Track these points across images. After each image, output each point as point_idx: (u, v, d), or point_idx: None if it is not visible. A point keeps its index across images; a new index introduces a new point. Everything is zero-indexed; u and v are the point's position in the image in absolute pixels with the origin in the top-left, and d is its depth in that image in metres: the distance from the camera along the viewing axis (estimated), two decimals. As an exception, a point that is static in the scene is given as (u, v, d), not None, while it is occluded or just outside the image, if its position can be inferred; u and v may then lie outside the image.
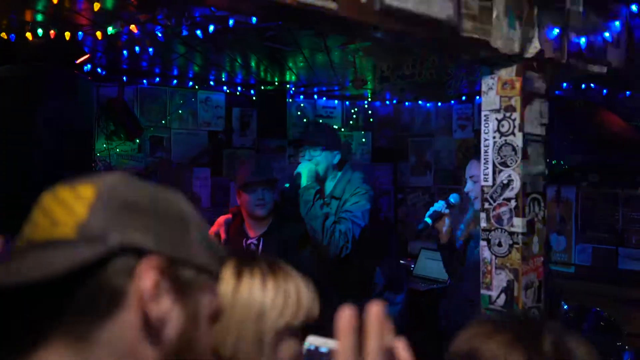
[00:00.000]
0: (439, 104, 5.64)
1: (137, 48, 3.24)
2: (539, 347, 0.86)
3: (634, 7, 2.35)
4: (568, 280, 4.38)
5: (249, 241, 3.01)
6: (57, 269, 0.64)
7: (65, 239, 0.69)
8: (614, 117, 4.46)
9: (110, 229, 0.70)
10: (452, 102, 5.53)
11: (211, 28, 2.80)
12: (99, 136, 4.08)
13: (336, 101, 5.49)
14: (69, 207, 0.72)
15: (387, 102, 5.74)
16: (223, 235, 3.00)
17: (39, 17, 2.80)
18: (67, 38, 2.82)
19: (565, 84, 4.46)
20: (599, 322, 3.19)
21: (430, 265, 4.45)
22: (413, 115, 5.80)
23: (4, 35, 2.93)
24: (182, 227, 0.80)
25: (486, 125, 2.02)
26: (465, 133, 5.48)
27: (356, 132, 5.61)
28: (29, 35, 2.84)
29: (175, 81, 4.42)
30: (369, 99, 5.58)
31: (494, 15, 1.81)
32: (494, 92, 1.99)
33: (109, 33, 2.73)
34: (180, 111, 4.51)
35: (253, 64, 4.18)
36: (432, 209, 2.72)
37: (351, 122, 5.56)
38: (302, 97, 5.23)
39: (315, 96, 5.32)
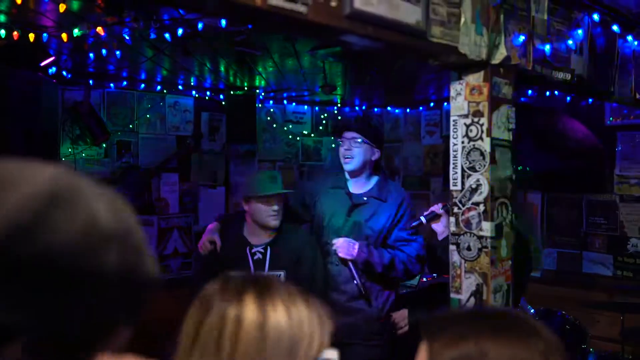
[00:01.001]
0: (408, 110, 5.69)
1: (104, 51, 3.18)
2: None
3: (595, 16, 2.41)
4: (535, 284, 4.46)
5: (253, 250, 2.98)
6: None
7: None
8: (577, 124, 4.56)
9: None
10: (421, 108, 5.59)
11: (180, 31, 2.78)
12: (64, 140, 4.00)
13: (306, 106, 5.50)
14: None
15: (357, 108, 5.77)
16: (218, 243, 2.98)
17: (2, 18, 2.73)
18: (31, 40, 2.76)
19: (530, 91, 4.56)
20: (564, 325, 3.24)
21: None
22: (382, 121, 5.84)
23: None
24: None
25: (455, 130, 2.04)
26: (433, 139, 5.55)
27: (325, 138, 5.62)
28: (-8, 36, 2.77)
29: (143, 85, 4.36)
30: (339, 105, 5.60)
31: (462, 21, 1.83)
32: (462, 97, 2.01)
33: (74, 35, 2.68)
34: (148, 115, 4.45)
35: (222, 68, 4.15)
36: (429, 210, 2.74)
37: (321, 127, 5.57)
38: (271, 102, 5.22)
39: (285, 101, 5.31)
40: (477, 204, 1.97)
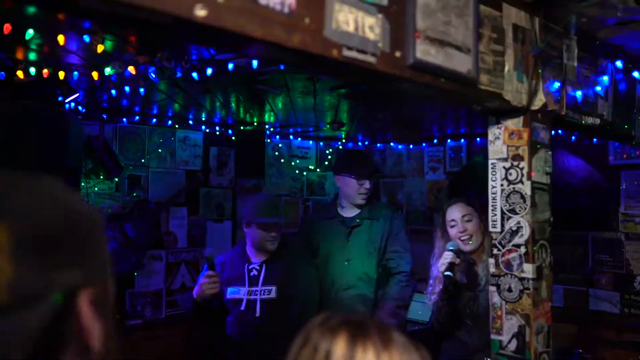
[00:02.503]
0: (411, 146, 5.77)
1: (127, 88, 3.21)
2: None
3: (618, 63, 2.50)
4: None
5: (250, 266, 3.19)
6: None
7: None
8: (580, 162, 4.66)
9: (44, 281, 0.61)
10: (424, 144, 5.67)
11: (209, 71, 2.82)
12: (77, 175, 3.99)
13: (311, 142, 5.55)
14: None
15: (360, 143, 5.84)
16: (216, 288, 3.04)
17: (32, 56, 2.75)
18: (61, 77, 2.78)
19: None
20: (582, 364, 3.26)
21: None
22: (385, 156, 5.91)
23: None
24: (95, 244, 0.73)
25: (493, 173, 2.09)
26: (436, 175, 5.61)
27: (329, 173, 5.66)
28: (20, 73, 2.78)
29: (154, 120, 4.39)
30: (343, 140, 5.67)
31: (506, 69, 1.89)
32: (500, 141, 2.07)
33: (106, 74, 2.71)
34: (160, 150, 4.46)
35: (233, 103, 4.20)
36: (445, 262, 2.72)
37: (325, 162, 5.61)
38: (278, 137, 5.27)
39: (291, 136, 5.36)
40: (517, 245, 2.01)
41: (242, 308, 3.09)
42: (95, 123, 4.00)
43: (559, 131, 4.59)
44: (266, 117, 4.61)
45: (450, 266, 2.66)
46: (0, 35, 2.21)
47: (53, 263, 0.62)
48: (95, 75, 2.74)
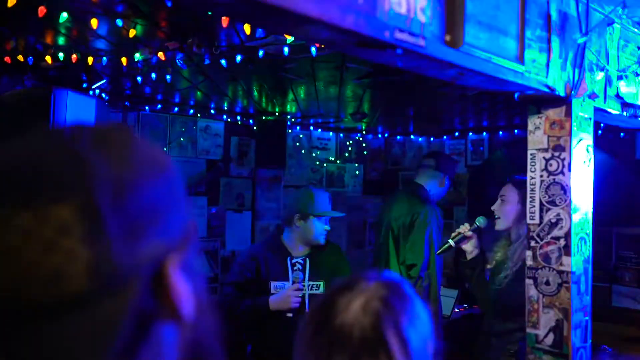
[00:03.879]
0: (432, 138, 5.72)
1: (153, 75, 3.18)
2: None
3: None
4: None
5: (293, 260, 3.17)
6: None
7: (78, 297, 0.51)
8: (606, 157, 4.59)
9: (130, 258, 0.53)
10: (445, 137, 5.61)
11: (238, 58, 2.78)
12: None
13: (331, 133, 5.51)
14: (58, 248, 0.50)
15: (379, 135, 5.79)
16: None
17: (61, 40, 2.73)
18: (90, 63, 2.76)
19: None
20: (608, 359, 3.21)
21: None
22: (404, 149, 5.86)
23: (20, 58, 2.84)
24: (177, 202, 0.64)
25: (532, 163, 2.04)
26: (457, 168, 5.55)
27: (349, 164, 5.63)
28: (48, 59, 2.77)
29: (176, 108, 4.36)
30: (363, 132, 5.62)
31: (551, 57, 1.85)
32: (541, 131, 2.02)
33: (135, 60, 2.68)
34: (182, 139, 4.45)
35: (256, 93, 4.16)
36: (456, 231, 2.77)
37: (346, 154, 5.58)
38: (298, 128, 5.23)
39: (312, 127, 5.33)
40: (557, 238, 1.97)
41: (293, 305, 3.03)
42: (119, 110, 3.99)
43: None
44: (288, 107, 4.58)
45: (458, 235, 2.70)
46: (33, 19, 2.19)
47: (140, 235, 0.55)
48: (124, 61, 2.72)
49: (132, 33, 2.37)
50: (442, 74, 1.54)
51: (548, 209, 1.99)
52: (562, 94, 1.91)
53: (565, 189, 1.96)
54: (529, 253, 2.03)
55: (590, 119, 2.06)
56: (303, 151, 5.23)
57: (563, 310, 1.93)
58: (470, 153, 5.47)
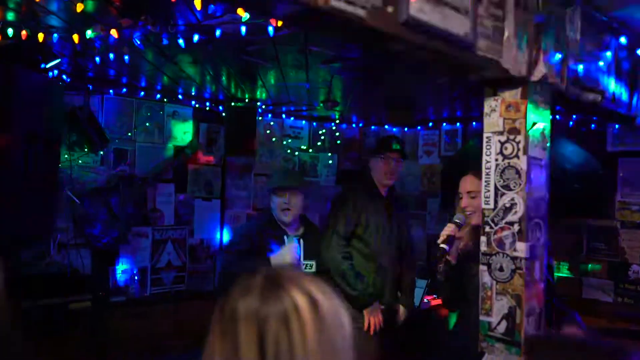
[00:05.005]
0: (405, 129, 5.66)
1: (111, 55, 3.08)
2: None
3: (622, 40, 2.40)
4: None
5: (290, 238, 3.36)
6: None
7: None
8: (577, 148, 4.56)
9: None
10: (419, 127, 5.57)
11: (196, 38, 2.70)
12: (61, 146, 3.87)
13: (304, 121, 5.43)
14: None
15: (354, 125, 5.73)
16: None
17: (10, 16, 2.62)
18: (40, 40, 2.65)
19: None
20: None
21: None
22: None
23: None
24: None
25: (488, 147, 1.99)
26: (431, 159, 5.51)
27: (322, 154, 5.56)
28: (-3, 34, 2.66)
29: (142, 93, 4.26)
30: (337, 121, 5.55)
31: (505, 36, 1.79)
32: (497, 113, 1.97)
33: (87, 37, 2.58)
34: (147, 124, 4.34)
35: (224, 78, 4.07)
36: (444, 234, 2.61)
37: (318, 143, 5.50)
38: (270, 115, 5.15)
39: (284, 115, 5.24)
40: (511, 223, 1.92)
41: None
42: (80, 93, 3.88)
43: (557, 117, 4.50)
44: (258, 93, 4.49)
45: (448, 239, 2.55)
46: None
47: None
48: (75, 38, 2.62)
49: (79, 7, 2.27)
50: (387, 48, 1.47)
51: (503, 194, 1.94)
52: (517, 75, 1.86)
53: (519, 173, 1.91)
54: (483, 239, 1.98)
55: (548, 102, 2.01)
56: (274, 139, 5.15)
57: (516, 297, 1.88)
58: (444, 144, 5.43)
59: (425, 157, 5.55)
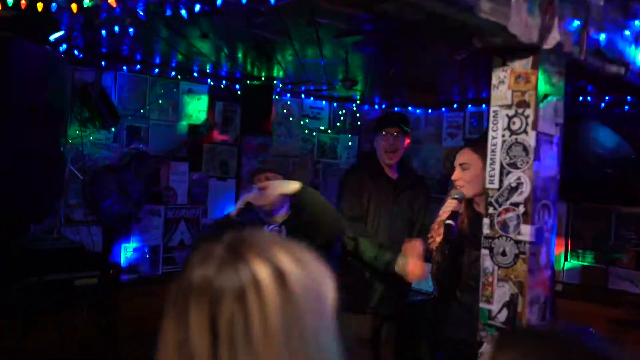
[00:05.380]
0: (429, 110, 5.48)
1: (116, 28, 3.01)
2: None
3: (652, 8, 2.20)
4: (556, 298, 4.22)
5: (269, 228, 2.89)
6: None
7: None
8: (608, 132, 4.33)
9: None
10: (443, 109, 5.38)
11: (197, 7, 2.60)
12: (72, 122, 3.84)
13: (324, 102, 5.30)
14: None
15: (376, 107, 5.57)
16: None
17: (9, -16, 2.57)
18: (40, 9, 2.58)
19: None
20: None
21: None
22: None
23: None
24: None
25: (495, 122, 1.83)
26: (455, 142, 5.32)
27: (343, 135, 5.43)
28: (-2, 4, 2.60)
29: (157, 70, 4.19)
30: (358, 102, 5.41)
31: (514, -2, 1.63)
32: (505, 85, 1.81)
33: (85, 6, 2.50)
34: (160, 101, 4.28)
35: (240, 55, 3.97)
36: (447, 209, 2.50)
37: (338, 124, 5.37)
38: (289, 95, 5.03)
39: (303, 95, 5.12)
40: (516, 204, 1.77)
41: None
42: (93, 69, 3.82)
43: (588, 98, 4.27)
44: (274, 71, 4.38)
45: (453, 215, 2.42)
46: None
47: None
48: (74, 7, 2.54)
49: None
50: (377, 10, 1.34)
51: (508, 172, 1.79)
52: (527, 42, 1.69)
53: (527, 150, 1.75)
54: (486, 221, 1.84)
55: (563, 74, 1.84)
56: (291, 119, 5.03)
57: (518, 284, 1.74)
58: (469, 126, 5.23)
59: (449, 139, 5.36)
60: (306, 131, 5.17)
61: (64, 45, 3.40)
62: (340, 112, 5.38)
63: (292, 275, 0.82)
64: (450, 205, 2.45)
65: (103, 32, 3.11)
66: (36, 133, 2.48)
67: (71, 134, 3.79)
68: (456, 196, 2.53)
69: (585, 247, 4.35)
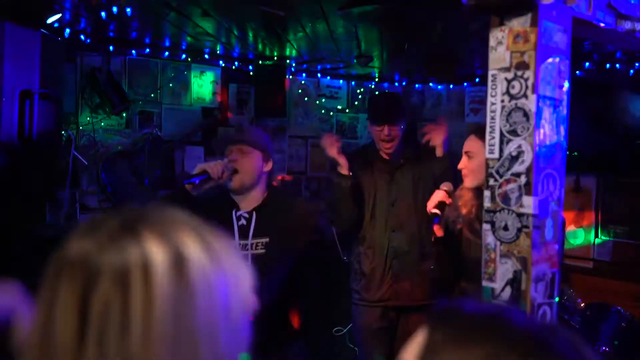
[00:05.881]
0: (451, 86, 5.30)
1: (114, 8, 2.95)
2: None
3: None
4: (586, 275, 4.05)
5: (238, 213, 2.49)
6: None
7: None
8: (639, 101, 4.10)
9: None
10: (465, 84, 5.20)
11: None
12: (83, 109, 3.83)
13: (341, 81, 5.18)
14: None
15: (396, 84, 5.42)
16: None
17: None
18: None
19: (587, 64, 4.12)
20: (620, 322, 2.86)
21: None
22: (423, 97, 5.47)
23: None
24: None
25: (493, 86, 1.70)
26: (478, 117, 5.15)
27: (362, 114, 5.30)
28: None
29: (167, 53, 4.14)
30: (377, 80, 5.27)
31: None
32: (503, 47, 1.67)
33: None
34: (171, 85, 4.23)
35: (250, 35, 3.88)
36: (435, 199, 2.41)
37: (356, 103, 5.24)
38: (304, 75, 4.93)
39: (319, 74, 5.01)
40: (517, 175, 1.63)
41: None
42: (101, 54, 3.79)
43: (616, 65, 4.05)
44: (287, 50, 4.28)
45: (440, 205, 2.32)
46: None
47: None
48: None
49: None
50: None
51: (509, 140, 1.65)
52: (523, -4, 1.55)
53: (527, 115, 1.61)
54: (487, 193, 1.71)
55: (567, 31, 1.68)
56: (306, 99, 4.92)
57: (522, 259, 1.61)
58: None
59: (472, 115, 5.19)
60: (323, 111, 5.06)
61: (67, 30, 3.37)
62: (358, 91, 5.25)
63: (194, 263, 0.69)
64: (437, 195, 2.36)
65: (102, 13, 3.06)
66: (31, 118, 2.45)
67: (82, 121, 3.77)
68: (445, 188, 2.43)
69: (616, 222, 4.15)
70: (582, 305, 2.96)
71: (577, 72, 4.18)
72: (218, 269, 0.72)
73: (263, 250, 2.41)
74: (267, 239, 2.41)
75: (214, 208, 2.40)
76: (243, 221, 2.48)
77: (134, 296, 0.65)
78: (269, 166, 2.54)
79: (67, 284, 0.67)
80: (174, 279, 0.68)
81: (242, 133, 2.60)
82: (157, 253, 0.68)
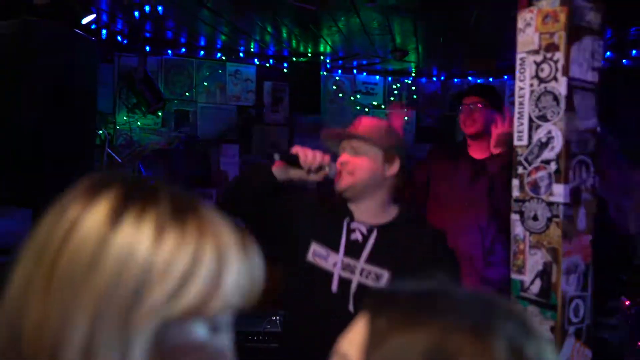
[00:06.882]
0: (491, 79, 5.16)
1: (147, 7, 2.99)
2: None
3: None
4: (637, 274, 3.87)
5: (353, 224, 1.92)
6: None
7: None
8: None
9: None
10: (505, 77, 5.05)
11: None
12: (120, 109, 3.90)
13: (377, 76, 5.12)
14: None
15: (434, 79, 5.32)
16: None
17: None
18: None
19: (634, 51, 3.95)
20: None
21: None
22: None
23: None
24: None
25: (522, 70, 1.63)
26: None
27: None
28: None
29: (202, 52, 4.18)
30: (414, 75, 5.18)
31: None
32: (532, 28, 1.60)
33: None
34: (205, 84, 4.27)
35: (284, 32, 3.88)
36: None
37: (392, 98, 5.17)
38: (340, 71, 4.89)
39: (355, 71, 4.96)
40: (547, 162, 1.56)
41: (334, 289, 1.84)
42: (135, 55, 3.86)
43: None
44: (321, 47, 4.26)
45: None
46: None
47: None
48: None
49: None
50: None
51: (538, 126, 1.58)
52: (551, -27, 1.48)
53: (558, 99, 1.54)
54: (515, 182, 1.64)
55: (600, 10, 1.60)
56: (340, 95, 4.88)
57: (552, 250, 1.54)
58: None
59: (512, 108, 5.03)
60: (358, 107, 5.02)
61: (104, 31, 3.44)
62: (394, 87, 5.18)
63: (124, 243, 0.61)
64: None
65: (136, 13, 3.11)
66: (65, 111, 2.50)
67: (119, 120, 3.84)
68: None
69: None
70: (627, 303, 2.82)
71: (624, 60, 4.01)
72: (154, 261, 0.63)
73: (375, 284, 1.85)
74: (387, 273, 1.83)
75: (312, 204, 1.99)
76: (358, 236, 1.89)
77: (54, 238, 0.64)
78: (392, 169, 1.93)
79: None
80: (93, 246, 0.62)
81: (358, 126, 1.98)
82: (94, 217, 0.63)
